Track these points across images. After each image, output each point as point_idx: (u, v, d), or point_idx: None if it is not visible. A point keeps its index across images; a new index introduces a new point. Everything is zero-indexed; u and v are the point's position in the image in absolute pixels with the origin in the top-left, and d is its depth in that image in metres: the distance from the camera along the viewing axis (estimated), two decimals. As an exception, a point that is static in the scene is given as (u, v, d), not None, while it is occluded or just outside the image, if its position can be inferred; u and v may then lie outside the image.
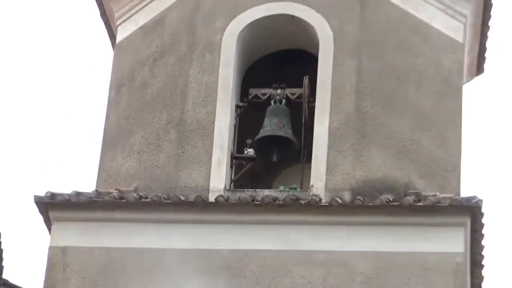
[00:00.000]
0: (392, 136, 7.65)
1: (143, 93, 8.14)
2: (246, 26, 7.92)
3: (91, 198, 7.20)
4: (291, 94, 7.89)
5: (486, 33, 8.59)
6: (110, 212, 7.21)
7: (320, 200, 7.07)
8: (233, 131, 7.82)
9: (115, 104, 8.24)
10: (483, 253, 7.62)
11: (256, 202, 7.13)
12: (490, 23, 8.58)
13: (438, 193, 7.14)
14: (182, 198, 7.07)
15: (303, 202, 7.05)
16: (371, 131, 7.62)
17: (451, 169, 7.84)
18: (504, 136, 20.37)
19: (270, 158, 8.02)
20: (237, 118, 7.90)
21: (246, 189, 7.53)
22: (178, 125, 7.75)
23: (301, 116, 7.82)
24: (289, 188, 7.58)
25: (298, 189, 7.56)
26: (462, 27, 8.26)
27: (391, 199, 7.02)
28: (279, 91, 7.92)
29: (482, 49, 8.66)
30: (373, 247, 6.99)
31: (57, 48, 21.54)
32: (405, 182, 7.39)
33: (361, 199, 6.96)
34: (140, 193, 7.25)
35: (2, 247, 6.92)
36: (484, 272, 7.90)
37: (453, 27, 8.17)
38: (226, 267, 6.98)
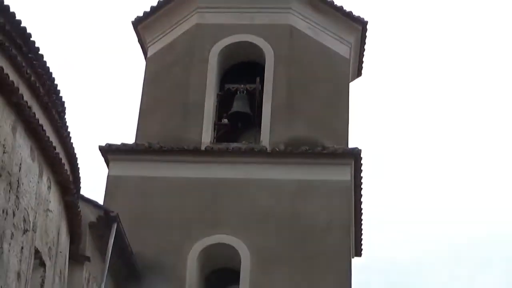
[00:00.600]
0: (306, 112, 12.18)
1: (163, 86, 12.45)
2: (224, 47, 12.34)
3: (133, 147, 11.51)
4: (249, 87, 12.30)
5: (363, 52, 13.36)
6: (144, 155, 11.52)
7: (266, 149, 11.56)
8: (215, 109, 12.20)
9: (146, 91, 12.47)
10: (362, 181, 12.26)
11: (229, 150, 11.63)
12: (366, 46, 13.40)
13: (335, 145, 11.70)
14: (185, 147, 11.46)
15: (256, 150, 11.62)
16: (294, 109, 12.14)
17: (343, 131, 12.40)
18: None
19: (237, 125, 12.42)
20: (218, 101, 12.29)
21: (223, 142, 12.00)
22: (182, 108, 12.10)
23: (255, 100, 12.24)
24: (248, 142, 12.03)
25: (253, 143, 12.01)
26: (349, 49, 12.85)
27: (306, 149, 11.55)
28: (242, 86, 12.33)
29: (360, 62, 13.50)
30: (296, 176, 11.52)
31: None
32: (316, 139, 11.89)
33: (290, 148, 11.50)
34: (161, 144, 11.54)
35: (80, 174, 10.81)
36: (363, 193, 12.62)
37: (343, 50, 12.74)
38: (212, 187, 11.36)
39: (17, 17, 7.84)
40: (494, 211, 29.13)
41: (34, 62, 7.88)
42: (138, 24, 12.81)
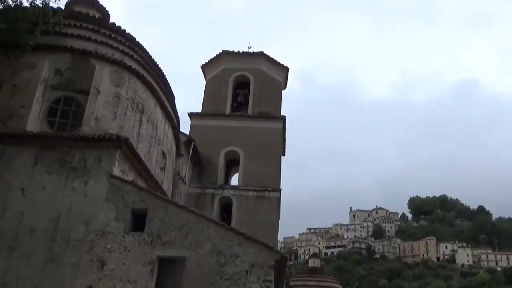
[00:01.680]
0: (269, 98, 26.41)
1: (213, 90, 26.87)
2: (235, 76, 26.48)
3: (201, 113, 26.37)
4: (244, 92, 26.52)
5: (286, 79, 27.28)
6: (205, 117, 26.11)
7: (250, 115, 26.05)
8: (232, 99, 26.59)
9: (207, 92, 26.87)
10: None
11: (236, 114, 26.18)
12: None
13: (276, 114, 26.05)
14: (220, 113, 26.22)
15: (246, 115, 26.13)
16: (261, 100, 26.28)
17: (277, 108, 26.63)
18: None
19: (239, 105, 26.75)
20: (233, 97, 26.69)
21: (234, 112, 26.34)
22: (219, 100, 26.75)
23: (247, 97, 26.53)
24: (243, 112, 26.53)
25: (245, 112, 26.39)
26: (284, 75, 26.67)
27: (267, 115, 25.94)
28: (241, 91, 26.70)
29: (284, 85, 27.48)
30: (263, 125, 25.90)
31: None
32: (266, 111, 26.25)
33: (259, 114, 26.09)
34: (212, 113, 26.26)
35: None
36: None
37: (281, 75, 26.61)
38: (230, 130, 26.03)
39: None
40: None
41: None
42: (204, 66, 27.36)
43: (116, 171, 14.12)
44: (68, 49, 15.80)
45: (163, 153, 18.87)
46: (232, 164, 26.12)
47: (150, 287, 12.72)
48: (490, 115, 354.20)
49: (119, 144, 14.27)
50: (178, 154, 21.93)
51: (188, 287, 12.69)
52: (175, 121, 20.43)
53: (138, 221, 13.60)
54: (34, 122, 14.74)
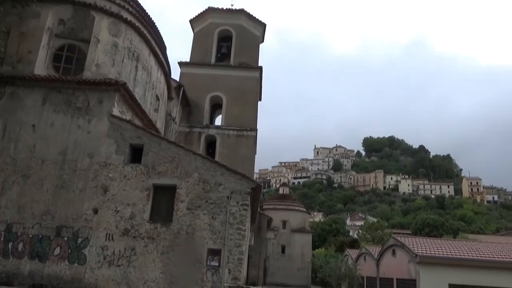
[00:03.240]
0: (247, 50, 25.83)
1: (200, 42, 26.16)
2: (220, 30, 25.63)
3: (189, 62, 25.74)
4: (227, 44, 25.80)
5: (263, 34, 26.63)
6: (193, 65, 25.62)
7: (232, 65, 25.56)
8: (216, 50, 25.97)
9: (195, 43, 26.22)
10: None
11: (221, 64, 25.62)
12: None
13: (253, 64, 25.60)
14: (206, 63, 25.64)
15: (229, 65, 25.60)
16: (242, 49, 25.72)
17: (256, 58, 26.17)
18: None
19: (223, 57, 26.16)
20: (217, 48, 26.02)
21: (218, 62, 25.77)
22: (206, 50, 25.99)
23: (229, 49, 25.84)
24: (226, 62, 25.98)
25: (227, 63, 25.93)
26: (262, 30, 25.94)
27: (247, 65, 25.48)
28: (225, 44, 25.90)
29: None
30: (243, 74, 25.47)
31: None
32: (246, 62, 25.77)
33: (239, 64, 25.57)
34: (199, 62, 25.67)
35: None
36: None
37: (259, 31, 25.87)
38: (214, 77, 25.57)
39: None
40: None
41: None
42: (192, 20, 26.42)
43: (116, 111, 13.97)
44: (70, 1, 15.04)
45: (157, 96, 18.81)
46: (216, 107, 25.99)
47: (146, 209, 12.91)
48: (435, 70, 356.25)
49: (118, 87, 14.03)
50: (170, 98, 21.78)
51: (179, 209, 12.85)
52: (167, 68, 20.11)
53: (136, 154, 13.63)
54: (41, 66, 14.33)
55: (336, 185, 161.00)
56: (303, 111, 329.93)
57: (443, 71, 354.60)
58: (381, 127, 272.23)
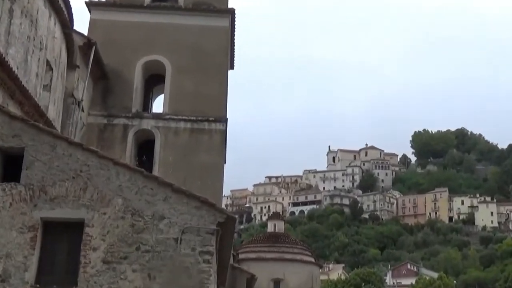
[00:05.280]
0: None
1: None
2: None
3: (104, 2, 25.58)
4: None
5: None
6: (111, 7, 25.42)
7: (182, 6, 25.56)
8: None
9: None
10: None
11: (160, 6, 25.56)
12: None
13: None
14: (134, 4, 25.42)
15: (176, 6, 25.56)
16: None
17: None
18: None
19: None
20: None
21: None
22: None
23: None
24: (172, 2, 25.98)
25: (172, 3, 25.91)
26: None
27: (205, 8, 25.46)
28: None
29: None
30: (198, 22, 25.42)
31: None
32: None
33: (194, 6, 25.55)
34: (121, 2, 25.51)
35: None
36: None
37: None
38: (149, 27, 25.43)
39: None
40: None
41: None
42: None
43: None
44: None
45: (48, 63, 18.71)
46: (154, 81, 26.11)
47: (30, 263, 12.78)
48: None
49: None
50: (72, 65, 21.66)
51: (90, 262, 12.82)
52: (66, 14, 19.93)
53: (10, 166, 13.51)
54: None
55: (366, 215, 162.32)
56: (308, 87, 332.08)
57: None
58: (442, 114, 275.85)
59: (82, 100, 22.06)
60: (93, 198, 13.20)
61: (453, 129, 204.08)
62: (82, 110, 22.32)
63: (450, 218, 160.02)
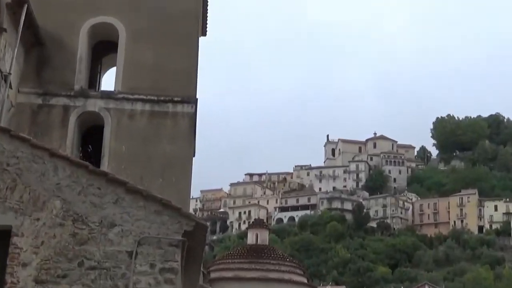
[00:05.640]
0: None
1: None
2: None
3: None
4: None
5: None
6: None
7: None
8: None
9: None
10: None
11: None
12: None
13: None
14: None
15: None
16: None
17: None
18: None
19: None
20: None
21: None
22: None
23: None
24: None
25: None
26: None
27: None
28: None
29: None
30: None
31: None
32: None
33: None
34: None
35: None
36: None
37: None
38: None
39: None
40: None
41: None
42: None
43: None
44: None
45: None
46: (104, 50, 26.08)
47: None
48: None
49: None
50: (-1, 29, 21.47)
51: (18, 282, 12.85)
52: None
53: None
54: None
55: (374, 223, 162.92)
56: (301, 61, 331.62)
57: None
58: (470, 98, 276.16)
59: (9, 73, 21.66)
60: (23, 199, 13.26)
61: (485, 115, 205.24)
62: (10, 87, 21.98)
63: (480, 228, 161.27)
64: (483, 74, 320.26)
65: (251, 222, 68.02)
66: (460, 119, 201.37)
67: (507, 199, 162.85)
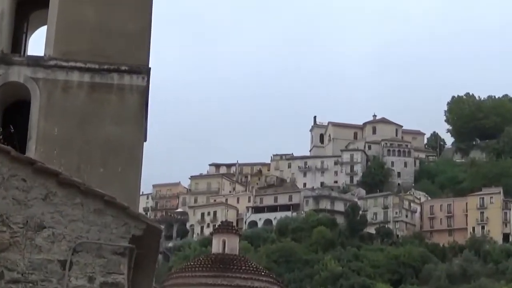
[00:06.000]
0: None
1: None
2: None
3: None
4: None
5: None
6: None
7: None
8: None
9: None
10: None
11: None
12: None
13: None
14: None
15: None
16: None
17: None
18: None
19: None
20: None
21: None
22: None
23: None
24: None
25: None
26: None
27: None
28: None
29: None
30: None
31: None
32: None
33: None
34: None
35: None
36: None
37: None
38: None
39: None
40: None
41: None
42: None
43: None
44: None
45: None
46: (31, 4, 26.00)
47: None
48: None
49: None
50: None
51: None
52: None
53: None
54: None
55: (372, 228, 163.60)
56: (282, 25, 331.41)
57: None
58: (499, 73, 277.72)
59: None
60: None
61: (510, 93, 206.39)
62: None
63: (506, 236, 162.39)
64: (508, 44, 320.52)
65: (216, 226, 68.23)
66: (482, 99, 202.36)
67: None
